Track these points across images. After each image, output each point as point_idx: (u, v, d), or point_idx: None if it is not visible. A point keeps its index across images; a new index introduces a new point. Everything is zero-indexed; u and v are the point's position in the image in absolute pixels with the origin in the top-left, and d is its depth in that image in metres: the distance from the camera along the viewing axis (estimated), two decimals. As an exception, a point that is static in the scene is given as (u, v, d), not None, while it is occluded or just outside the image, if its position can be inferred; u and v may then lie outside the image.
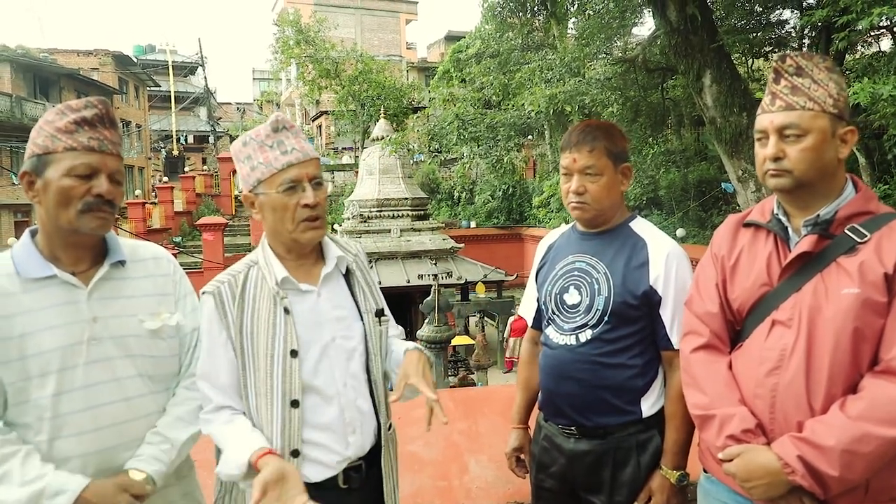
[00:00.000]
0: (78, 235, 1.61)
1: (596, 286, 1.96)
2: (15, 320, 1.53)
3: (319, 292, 1.76)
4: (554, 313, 2.05)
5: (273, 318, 1.68)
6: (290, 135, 1.71)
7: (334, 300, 1.78)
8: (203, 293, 1.73)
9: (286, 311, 1.69)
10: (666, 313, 1.92)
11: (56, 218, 1.57)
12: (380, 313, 1.85)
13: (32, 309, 1.55)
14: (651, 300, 1.92)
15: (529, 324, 2.26)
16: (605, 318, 1.93)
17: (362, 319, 1.80)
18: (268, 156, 1.69)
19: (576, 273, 2.02)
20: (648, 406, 1.95)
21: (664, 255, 1.93)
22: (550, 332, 2.06)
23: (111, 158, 1.61)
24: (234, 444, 1.61)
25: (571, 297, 2.00)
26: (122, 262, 1.71)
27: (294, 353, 1.67)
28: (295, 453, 1.66)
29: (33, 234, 1.65)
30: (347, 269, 1.83)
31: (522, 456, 2.24)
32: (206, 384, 1.71)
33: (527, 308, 2.26)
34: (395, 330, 1.96)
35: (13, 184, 24.03)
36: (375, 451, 1.79)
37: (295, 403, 1.66)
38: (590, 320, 1.95)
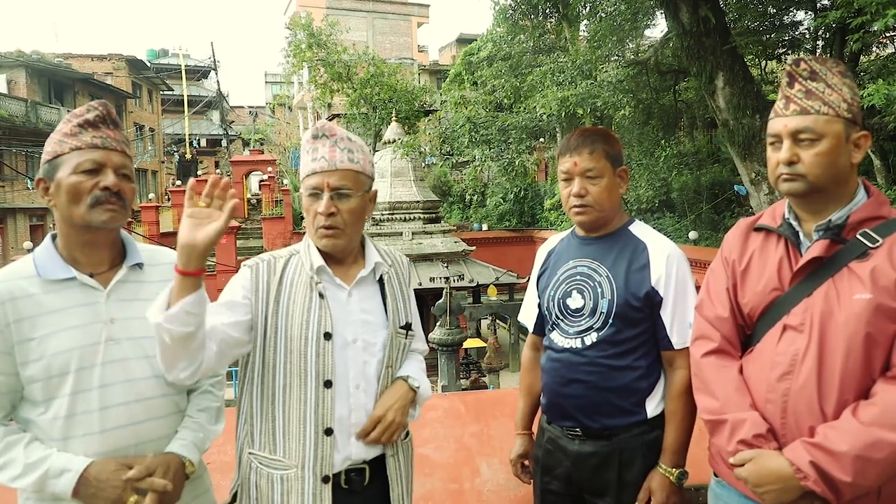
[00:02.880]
0: (92, 233, 1.64)
1: (599, 289, 1.98)
2: (36, 321, 1.57)
3: (351, 292, 1.79)
4: (558, 318, 2.06)
5: (308, 303, 1.72)
6: (328, 143, 1.75)
7: (364, 304, 1.80)
8: (243, 265, 1.77)
9: (321, 295, 1.73)
10: (666, 314, 1.94)
11: (70, 216, 1.61)
12: (406, 327, 1.87)
13: (53, 310, 1.59)
14: (653, 301, 1.94)
15: (530, 330, 2.27)
16: (610, 321, 1.94)
17: (389, 329, 1.81)
18: (305, 160, 1.77)
19: (578, 277, 2.04)
20: (653, 407, 1.97)
21: (665, 257, 1.96)
22: (555, 336, 2.07)
23: (116, 154, 1.66)
24: None
25: (575, 302, 2.01)
26: (140, 265, 1.74)
27: (328, 336, 1.71)
28: (328, 432, 1.69)
29: (54, 237, 1.69)
30: (382, 277, 1.85)
31: (527, 462, 2.24)
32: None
33: (527, 314, 2.27)
34: (420, 345, 1.98)
35: (28, 188, 24.26)
36: (382, 458, 1.80)
37: (328, 384, 1.70)
38: (594, 323, 1.97)
